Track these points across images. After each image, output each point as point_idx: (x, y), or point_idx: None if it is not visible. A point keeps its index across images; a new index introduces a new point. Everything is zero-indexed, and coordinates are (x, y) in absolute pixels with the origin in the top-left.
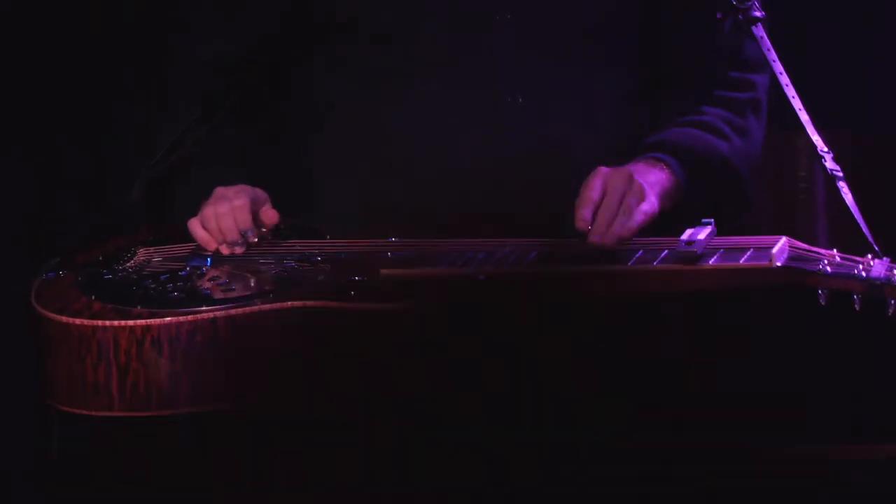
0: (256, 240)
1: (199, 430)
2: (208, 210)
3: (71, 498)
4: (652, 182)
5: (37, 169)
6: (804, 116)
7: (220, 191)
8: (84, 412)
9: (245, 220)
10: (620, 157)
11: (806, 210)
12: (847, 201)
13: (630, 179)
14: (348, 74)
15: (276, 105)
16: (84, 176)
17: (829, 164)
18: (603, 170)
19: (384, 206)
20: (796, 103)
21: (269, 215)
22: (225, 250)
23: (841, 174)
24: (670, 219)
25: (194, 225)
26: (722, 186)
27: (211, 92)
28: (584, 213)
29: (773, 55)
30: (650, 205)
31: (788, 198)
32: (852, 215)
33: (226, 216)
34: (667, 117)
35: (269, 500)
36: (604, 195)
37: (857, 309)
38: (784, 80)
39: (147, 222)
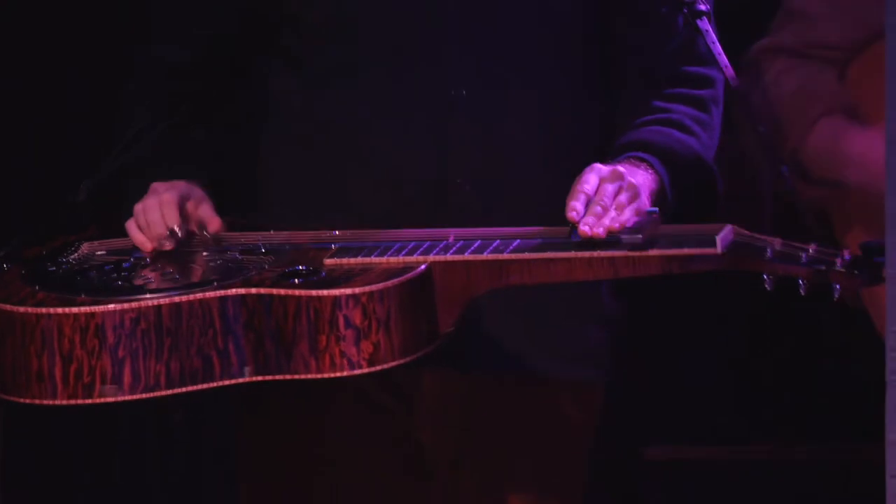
0: (182, 236)
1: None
2: (137, 205)
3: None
4: (641, 182)
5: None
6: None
7: (154, 185)
8: (29, 401)
9: (172, 215)
10: (568, 154)
11: (750, 205)
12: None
13: (623, 177)
14: (295, 70)
15: (229, 103)
16: (35, 175)
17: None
18: (597, 166)
19: (332, 200)
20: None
21: (214, 224)
22: (149, 246)
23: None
24: None
25: (130, 226)
26: (697, 184)
27: (164, 93)
28: (575, 204)
29: (718, 48)
30: (643, 203)
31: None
32: None
33: (152, 210)
34: (624, 115)
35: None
36: (596, 189)
37: (803, 294)
38: (730, 72)
39: (93, 222)
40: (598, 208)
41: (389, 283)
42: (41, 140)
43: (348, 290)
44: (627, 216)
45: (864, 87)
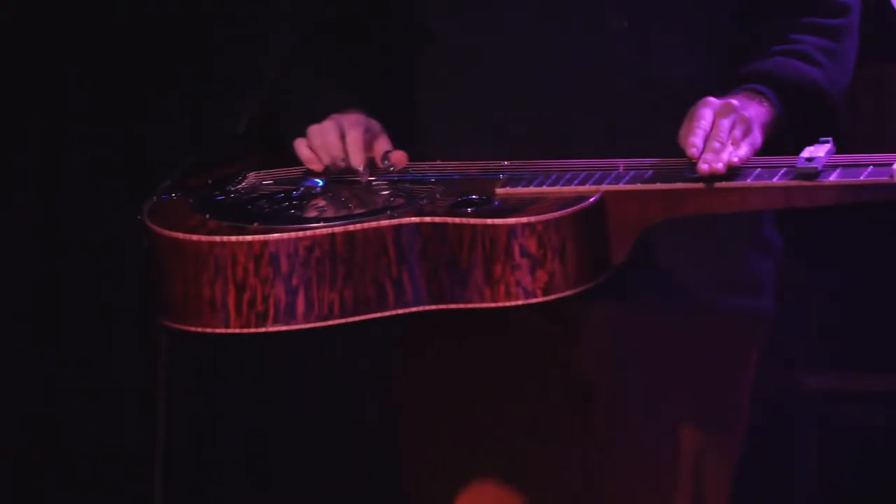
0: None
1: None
2: (314, 127)
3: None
4: (753, 115)
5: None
6: None
7: (332, 115)
8: (200, 329)
9: (355, 140)
10: (721, 85)
11: None
12: None
13: (737, 111)
14: (448, 3)
15: (381, 37)
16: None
17: None
18: (711, 100)
19: (489, 133)
20: None
21: (400, 157)
22: (318, 166)
23: None
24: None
25: (300, 144)
26: (815, 115)
27: (314, 22)
28: (694, 139)
29: None
30: (756, 137)
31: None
32: None
33: (331, 132)
34: (762, 45)
35: None
36: (712, 125)
37: None
38: None
39: (254, 152)
40: (717, 143)
41: (565, 211)
42: (41, 140)
43: (524, 219)
44: (745, 150)
45: None
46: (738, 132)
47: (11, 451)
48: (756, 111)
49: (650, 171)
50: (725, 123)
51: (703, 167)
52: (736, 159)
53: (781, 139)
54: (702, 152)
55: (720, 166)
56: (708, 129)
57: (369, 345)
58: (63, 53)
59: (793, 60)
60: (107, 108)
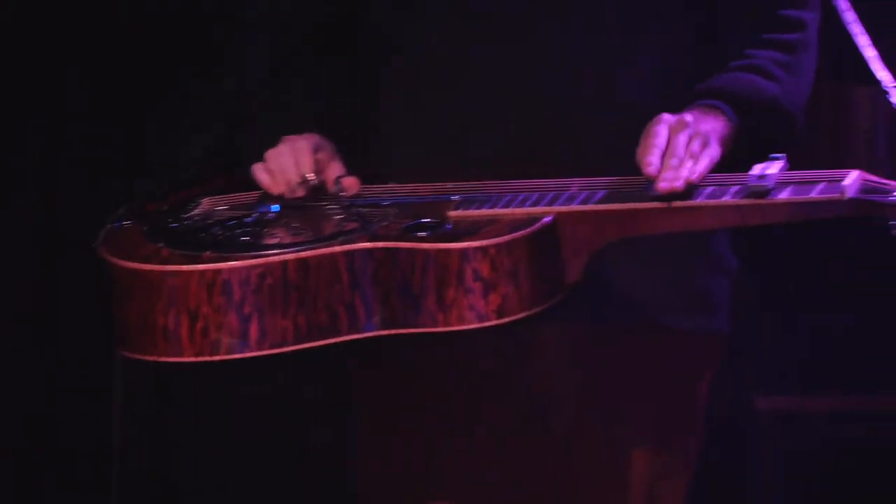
0: (314, 184)
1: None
2: (269, 151)
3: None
4: (710, 129)
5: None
6: (869, 52)
7: (286, 137)
8: (154, 359)
9: (306, 162)
10: (684, 105)
11: (867, 152)
12: None
13: (691, 125)
14: (413, 16)
15: (344, 52)
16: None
17: (895, 99)
18: (665, 116)
19: (448, 151)
20: (862, 40)
21: (352, 184)
22: (276, 190)
23: None
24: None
25: (257, 168)
26: (773, 128)
27: (277, 40)
28: (651, 159)
29: None
30: (714, 150)
31: (849, 151)
32: None
33: (285, 155)
34: (721, 62)
35: None
36: (668, 142)
37: None
38: (849, 16)
39: (214, 175)
40: (675, 160)
41: (517, 234)
42: (41, 140)
43: (476, 243)
44: (704, 164)
45: None
46: (695, 146)
47: (11, 451)
48: (713, 124)
49: (603, 191)
50: (681, 139)
51: (661, 185)
52: (695, 176)
53: (734, 155)
54: (659, 170)
55: (679, 184)
56: (663, 146)
57: (321, 371)
58: (63, 53)
59: (749, 75)
60: (107, 108)
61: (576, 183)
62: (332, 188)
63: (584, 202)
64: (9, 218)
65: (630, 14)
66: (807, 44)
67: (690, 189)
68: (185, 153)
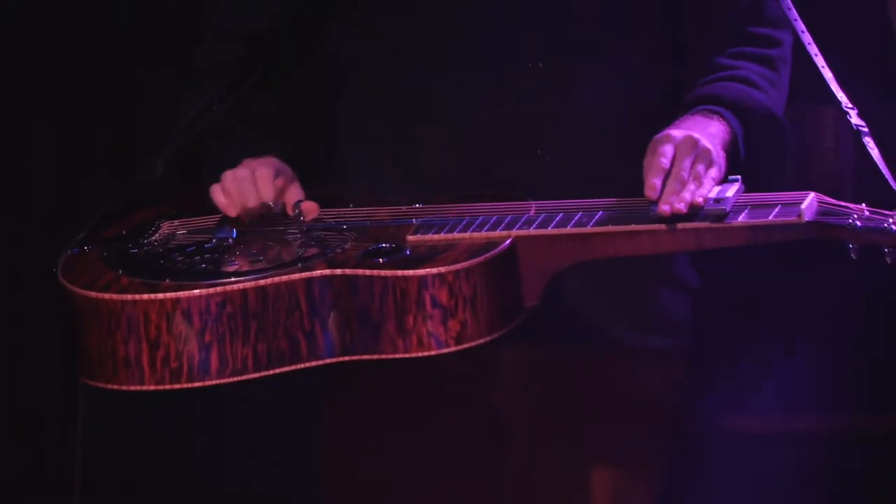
0: (277, 210)
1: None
2: (228, 173)
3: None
4: (713, 134)
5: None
6: (827, 73)
7: (246, 160)
8: (116, 387)
9: (266, 189)
10: (645, 122)
11: (833, 172)
12: (874, 156)
13: (697, 144)
14: (369, 39)
15: (301, 73)
16: (109, 152)
17: (855, 119)
18: (672, 133)
19: (406, 169)
20: (819, 61)
21: (311, 209)
22: (233, 212)
23: (867, 129)
24: None
25: (215, 190)
26: (767, 136)
27: (234, 62)
28: (654, 181)
29: (794, 13)
30: (719, 170)
31: (816, 168)
32: (880, 170)
33: (245, 181)
34: (691, 75)
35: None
36: (673, 162)
37: (889, 262)
38: (806, 38)
39: (172, 196)
40: (678, 184)
41: (475, 260)
42: (41, 140)
43: (434, 270)
44: (707, 187)
45: None
46: (700, 168)
47: (11, 450)
48: (716, 129)
49: (561, 214)
50: (687, 162)
51: (664, 209)
52: (700, 199)
53: (733, 163)
54: (660, 193)
55: (681, 207)
56: (668, 165)
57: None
58: (63, 53)
59: (738, 84)
60: (106, 108)
61: (533, 205)
62: (291, 213)
63: (543, 225)
64: (9, 218)
65: (593, 36)
66: (784, 62)
67: (694, 211)
68: (141, 170)
